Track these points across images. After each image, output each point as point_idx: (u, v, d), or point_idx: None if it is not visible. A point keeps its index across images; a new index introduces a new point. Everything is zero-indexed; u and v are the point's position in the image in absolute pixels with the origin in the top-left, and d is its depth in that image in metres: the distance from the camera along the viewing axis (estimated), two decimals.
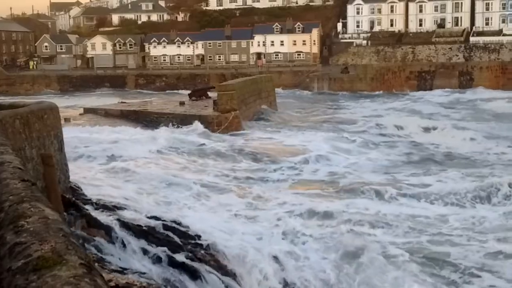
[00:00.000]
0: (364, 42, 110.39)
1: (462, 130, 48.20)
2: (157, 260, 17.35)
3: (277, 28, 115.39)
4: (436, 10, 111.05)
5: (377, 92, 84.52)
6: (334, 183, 30.71)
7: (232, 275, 17.93)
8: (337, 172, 33.24)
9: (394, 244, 21.59)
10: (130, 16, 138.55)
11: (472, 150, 40.14)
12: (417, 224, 24.34)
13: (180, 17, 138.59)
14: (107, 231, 17.85)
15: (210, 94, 57.22)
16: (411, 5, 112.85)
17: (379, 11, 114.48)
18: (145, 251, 17.60)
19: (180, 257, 17.68)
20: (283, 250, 20.11)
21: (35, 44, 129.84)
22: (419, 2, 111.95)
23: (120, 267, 15.84)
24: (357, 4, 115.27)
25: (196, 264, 17.54)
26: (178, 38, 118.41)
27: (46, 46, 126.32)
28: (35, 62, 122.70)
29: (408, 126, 50.13)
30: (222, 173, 31.98)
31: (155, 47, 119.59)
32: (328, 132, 46.74)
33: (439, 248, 21.59)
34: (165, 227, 19.62)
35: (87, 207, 19.19)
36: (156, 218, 20.39)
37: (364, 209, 25.91)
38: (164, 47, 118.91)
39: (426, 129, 48.87)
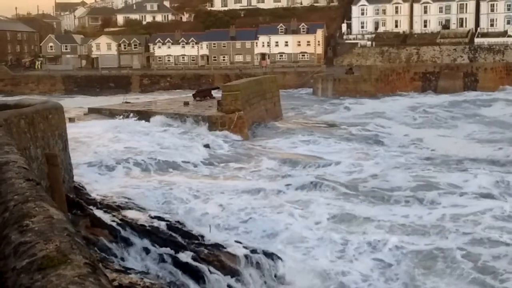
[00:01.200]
0: (369, 43, 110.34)
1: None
2: (160, 260, 17.38)
3: (281, 29, 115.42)
4: (440, 11, 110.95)
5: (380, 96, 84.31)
6: (365, 188, 29.90)
7: (236, 275, 17.94)
8: (361, 177, 32.37)
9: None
10: (135, 16, 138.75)
11: (490, 153, 39.75)
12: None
13: (185, 17, 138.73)
14: (111, 230, 17.88)
15: (214, 94, 57.26)
16: (416, 6, 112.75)
17: (384, 12, 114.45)
18: (148, 251, 17.62)
19: (183, 257, 17.69)
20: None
21: (40, 44, 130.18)
22: (424, 3, 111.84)
23: (124, 267, 15.87)
24: (361, 5, 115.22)
25: (199, 264, 17.55)
26: (182, 38, 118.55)
27: (51, 46, 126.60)
28: (39, 62, 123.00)
29: (416, 134, 49.81)
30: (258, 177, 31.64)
31: (159, 47, 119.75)
32: (340, 139, 46.05)
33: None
34: (169, 227, 19.65)
35: (91, 207, 19.23)
36: (159, 218, 20.42)
37: (405, 214, 25.55)
38: (169, 47, 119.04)
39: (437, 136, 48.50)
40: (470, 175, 31.83)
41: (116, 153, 33.65)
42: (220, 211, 24.48)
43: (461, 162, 36.69)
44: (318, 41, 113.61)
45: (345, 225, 23.79)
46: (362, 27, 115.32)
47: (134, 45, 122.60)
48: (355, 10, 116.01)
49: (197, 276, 17.07)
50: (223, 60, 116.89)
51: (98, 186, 25.17)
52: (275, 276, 18.70)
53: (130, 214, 20.17)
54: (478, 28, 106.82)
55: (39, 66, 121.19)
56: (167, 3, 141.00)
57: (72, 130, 38.16)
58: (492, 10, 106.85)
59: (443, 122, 58.05)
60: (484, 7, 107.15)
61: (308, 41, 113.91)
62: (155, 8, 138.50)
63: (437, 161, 37.45)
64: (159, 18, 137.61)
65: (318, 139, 45.47)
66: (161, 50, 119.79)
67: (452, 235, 22.66)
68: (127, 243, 17.67)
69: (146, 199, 24.50)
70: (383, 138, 47.70)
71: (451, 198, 27.72)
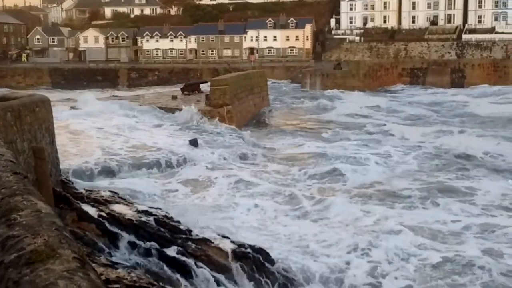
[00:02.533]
0: (357, 38, 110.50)
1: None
2: (147, 254, 17.31)
3: (270, 23, 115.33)
4: (429, 7, 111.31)
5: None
6: (378, 191, 28.96)
7: (224, 270, 17.93)
8: (369, 180, 31.10)
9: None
10: (122, 9, 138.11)
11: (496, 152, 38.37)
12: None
13: (173, 11, 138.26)
14: (98, 225, 17.78)
15: (202, 88, 57.19)
16: (404, 2, 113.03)
17: (372, 7, 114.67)
18: (135, 246, 17.55)
19: (170, 251, 17.65)
20: None
21: (27, 37, 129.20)
22: None
23: (111, 262, 15.80)
24: (350, 0, 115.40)
25: (187, 259, 17.52)
26: (171, 32, 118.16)
27: (38, 39, 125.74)
28: (25, 55, 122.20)
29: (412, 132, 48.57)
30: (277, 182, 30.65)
31: (147, 41, 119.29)
32: (333, 139, 44.34)
33: None
34: (156, 221, 19.58)
35: (78, 201, 19.11)
36: (147, 212, 20.34)
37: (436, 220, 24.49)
38: (157, 41, 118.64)
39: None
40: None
41: (124, 150, 32.54)
42: (246, 216, 24.21)
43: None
44: (307, 36, 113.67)
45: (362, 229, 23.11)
46: (351, 22, 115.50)
47: (122, 38, 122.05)
48: (344, 5, 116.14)
49: (185, 270, 17.04)
50: (212, 54, 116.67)
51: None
52: (264, 271, 18.70)
53: (118, 208, 20.07)
54: (466, 25, 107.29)
55: (25, 59, 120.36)
56: None
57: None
58: (480, 7, 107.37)
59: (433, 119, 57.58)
60: (472, 3, 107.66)
61: (297, 36, 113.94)
62: (143, 1, 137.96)
63: (446, 162, 36.08)
64: (147, 11, 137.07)
65: (312, 138, 44.52)
66: (149, 44, 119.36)
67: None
68: (114, 237, 17.60)
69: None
70: (379, 136, 46.37)
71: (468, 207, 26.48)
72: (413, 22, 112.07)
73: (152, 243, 17.80)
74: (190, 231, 19.62)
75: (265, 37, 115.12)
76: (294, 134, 46.85)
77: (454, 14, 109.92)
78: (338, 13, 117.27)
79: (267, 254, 19.29)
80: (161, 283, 15.28)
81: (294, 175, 32.16)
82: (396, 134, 47.44)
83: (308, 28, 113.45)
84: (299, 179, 31.44)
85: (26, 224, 3.80)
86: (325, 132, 48.09)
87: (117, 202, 20.86)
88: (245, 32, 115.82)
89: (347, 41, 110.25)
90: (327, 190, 29.22)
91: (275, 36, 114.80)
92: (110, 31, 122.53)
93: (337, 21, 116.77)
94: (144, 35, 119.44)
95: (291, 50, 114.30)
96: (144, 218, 19.43)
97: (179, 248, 18.01)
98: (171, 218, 20.33)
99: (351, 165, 34.45)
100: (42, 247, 3.35)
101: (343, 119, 56.74)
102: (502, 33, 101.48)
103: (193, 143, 36.71)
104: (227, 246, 19.02)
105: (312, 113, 61.42)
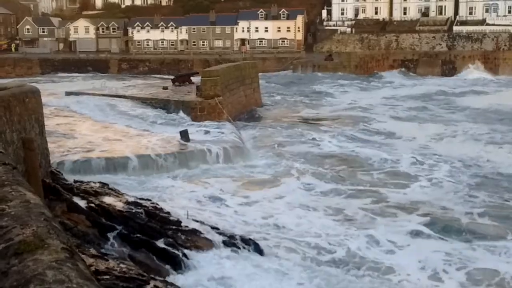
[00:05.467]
0: (349, 29, 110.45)
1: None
2: (137, 246, 17.32)
3: (261, 14, 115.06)
4: None
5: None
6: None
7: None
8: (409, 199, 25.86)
9: None
10: None
11: None
12: None
13: (164, 1, 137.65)
14: (88, 216, 17.76)
15: (193, 79, 57.00)
16: None
17: None
18: (125, 237, 17.55)
19: (160, 243, 17.67)
20: None
21: (17, 27, 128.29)
22: None
23: (100, 253, 15.80)
24: None
25: (176, 251, 17.55)
26: (162, 22, 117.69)
27: (28, 29, 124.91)
28: (14, 45, 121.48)
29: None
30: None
31: (138, 31, 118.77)
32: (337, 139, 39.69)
33: None
34: (146, 212, 19.59)
35: (67, 192, 19.07)
36: (137, 204, 20.34)
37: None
38: (148, 31, 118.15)
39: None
40: None
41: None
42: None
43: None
44: (298, 27, 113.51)
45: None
46: (342, 13, 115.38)
47: (113, 28, 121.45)
48: None
49: (174, 261, 17.08)
50: (203, 45, 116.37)
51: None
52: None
53: (107, 199, 20.05)
54: (457, 16, 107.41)
55: (13, 49, 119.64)
56: None
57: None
58: None
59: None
60: None
61: (288, 27, 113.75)
62: None
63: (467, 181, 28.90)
64: (138, 1, 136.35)
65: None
66: (140, 34, 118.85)
67: None
68: (104, 228, 17.59)
69: None
70: (389, 140, 40.41)
71: None
72: (405, 13, 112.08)
73: (142, 234, 17.81)
74: (180, 222, 19.65)
75: (257, 28, 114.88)
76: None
77: (445, 6, 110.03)
78: (329, 4, 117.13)
79: (256, 244, 19.33)
80: (150, 274, 15.31)
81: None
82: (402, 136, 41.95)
83: (300, 19, 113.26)
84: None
85: (15, 214, 3.81)
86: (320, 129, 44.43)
87: (107, 194, 20.82)
88: (237, 23, 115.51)
89: (339, 32, 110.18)
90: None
91: (266, 27, 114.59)
92: (101, 21, 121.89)
93: (329, 12, 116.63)
94: (135, 25, 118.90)
95: (282, 41, 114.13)
96: (134, 210, 19.44)
97: (169, 239, 18.04)
98: (161, 209, 20.36)
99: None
100: (31, 237, 3.36)
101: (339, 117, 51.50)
102: (493, 25, 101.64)
103: (184, 135, 33.50)
104: (217, 237, 19.07)
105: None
